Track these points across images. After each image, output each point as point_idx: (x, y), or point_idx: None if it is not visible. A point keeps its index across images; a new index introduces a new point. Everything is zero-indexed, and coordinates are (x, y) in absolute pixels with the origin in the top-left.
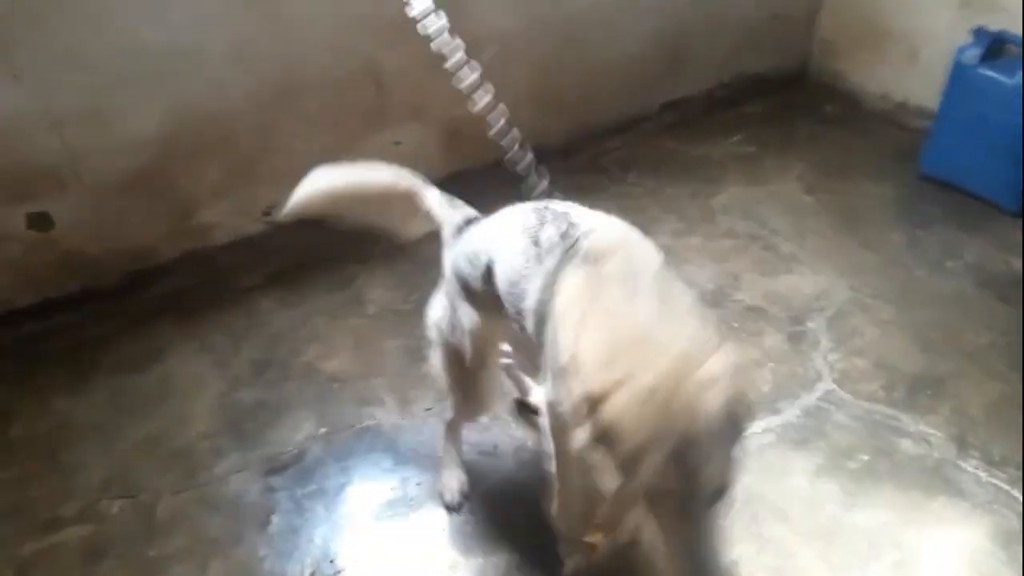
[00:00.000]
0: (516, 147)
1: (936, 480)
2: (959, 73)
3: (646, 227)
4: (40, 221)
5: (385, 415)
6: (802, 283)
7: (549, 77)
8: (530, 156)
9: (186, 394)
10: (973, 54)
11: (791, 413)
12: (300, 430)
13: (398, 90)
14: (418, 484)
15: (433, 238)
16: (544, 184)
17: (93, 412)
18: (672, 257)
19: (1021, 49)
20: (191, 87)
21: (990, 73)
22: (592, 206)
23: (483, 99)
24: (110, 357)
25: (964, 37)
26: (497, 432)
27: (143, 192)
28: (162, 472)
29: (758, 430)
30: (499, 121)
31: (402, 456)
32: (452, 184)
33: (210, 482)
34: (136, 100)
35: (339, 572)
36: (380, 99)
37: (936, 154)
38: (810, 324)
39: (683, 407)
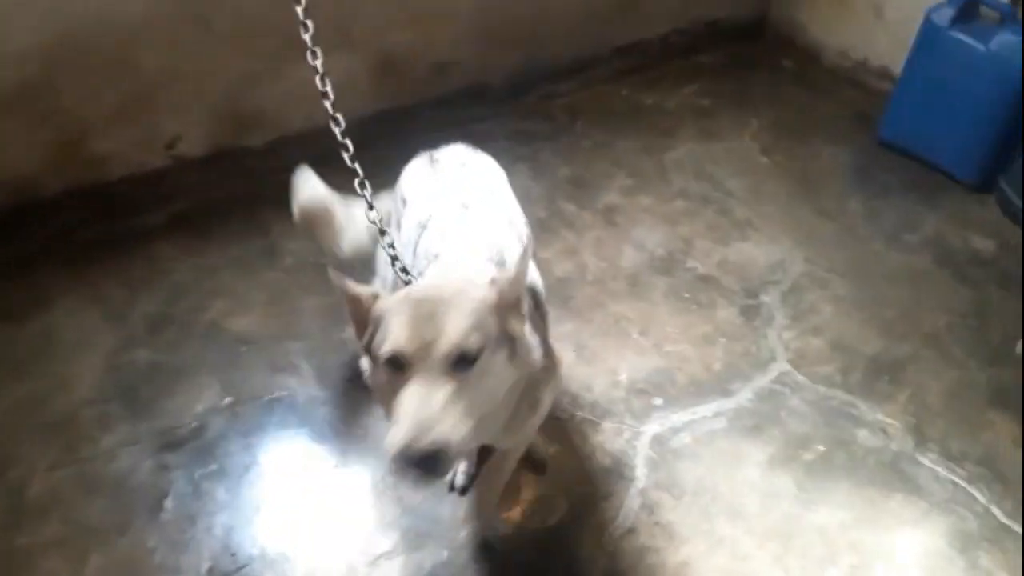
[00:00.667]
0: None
1: (894, 476)
2: (928, 34)
3: (595, 183)
4: None
5: (300, 385)
6: (756, 252)
7: (495, 9)
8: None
9: (71, 351)
10: (945, 14)
11: (744, 396)
12: (201, 399)
13: (322, 11)
14: (335, 466)
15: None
16: (365, 184)
17: None
18: (622, 218)
19: (998, 12)
20: None
21: (962, 37)
22: (536, 155)
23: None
24: None
25: None
26: None
27: (22, 113)
28: (37, 444)
29: (708, 414)
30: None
31: (318, 433)
32: (383, 123)
33: (94, 458)
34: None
35: (241, 567)
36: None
37: (896, 120)
38: (764, 298)
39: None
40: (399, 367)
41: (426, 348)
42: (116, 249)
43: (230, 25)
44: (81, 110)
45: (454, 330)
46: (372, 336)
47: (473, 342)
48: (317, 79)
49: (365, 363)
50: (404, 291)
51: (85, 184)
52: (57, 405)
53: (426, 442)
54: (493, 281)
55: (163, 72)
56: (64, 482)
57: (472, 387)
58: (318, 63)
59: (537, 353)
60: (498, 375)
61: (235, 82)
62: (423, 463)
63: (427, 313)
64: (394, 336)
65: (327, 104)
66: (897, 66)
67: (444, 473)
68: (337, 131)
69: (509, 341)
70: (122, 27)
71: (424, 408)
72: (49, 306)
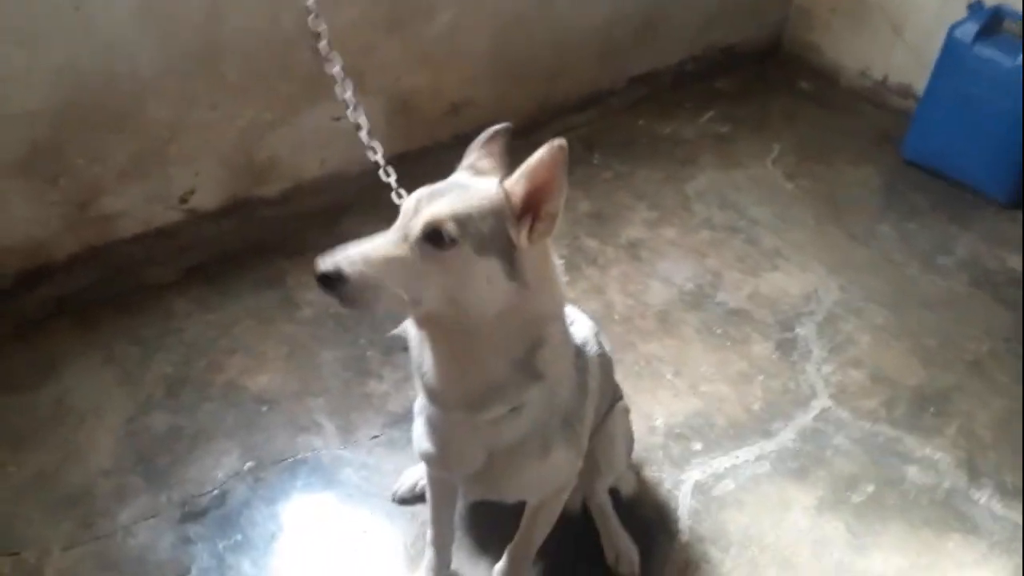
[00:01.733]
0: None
1: (948, 515)
2: (952, 51)
3: (616, 216)
4: None
5: (323, 444)
6: (788, 282)
7: (511, 46)
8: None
9: (85, 418)
10: (969, 30)
11: (786, 436)
12: (221, 465)
13: (340, 54)
14: (364, 532)
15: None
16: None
17: None
18: (647, 252)
19: (1021, 27)
20: (87, 48)
21: (987, 52)
22: None
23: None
24: None
25: (954, 10)
26: None
27: (33, 176)
28: (52, 521)
29: (751, 457)
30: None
31: (345, 496)
32: (399, 164)
33: (112, 533)
34: (18, 62)
35: None
36: (317, 65)
37: (921, 138)
38: (799, 330)
39: None
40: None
41: (410, 217)
42: (129, 308)
43: (241, 74)
44: (92, 169)
45: (435, 207)
46: None
47: (450, 227)
48: (349, 112)
49: None
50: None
51: (97, 244)
52: (72, 477)
53: (330, 262)
54: (501, 183)
55: (174, 125)
56: (81, 562)
57: (439, 271)
58: (348, 95)
59: (553, 303)
60: (479, 277)
61: (248, 131)
62: (322, 279)
63: (434, 192)
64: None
65: (362, 134)
66: (918, 83)
67: (342, 299)
68: (377, 157)
69: (509, 253)
70: (131, 82)
71: (365, 247)
72: (61, 371)
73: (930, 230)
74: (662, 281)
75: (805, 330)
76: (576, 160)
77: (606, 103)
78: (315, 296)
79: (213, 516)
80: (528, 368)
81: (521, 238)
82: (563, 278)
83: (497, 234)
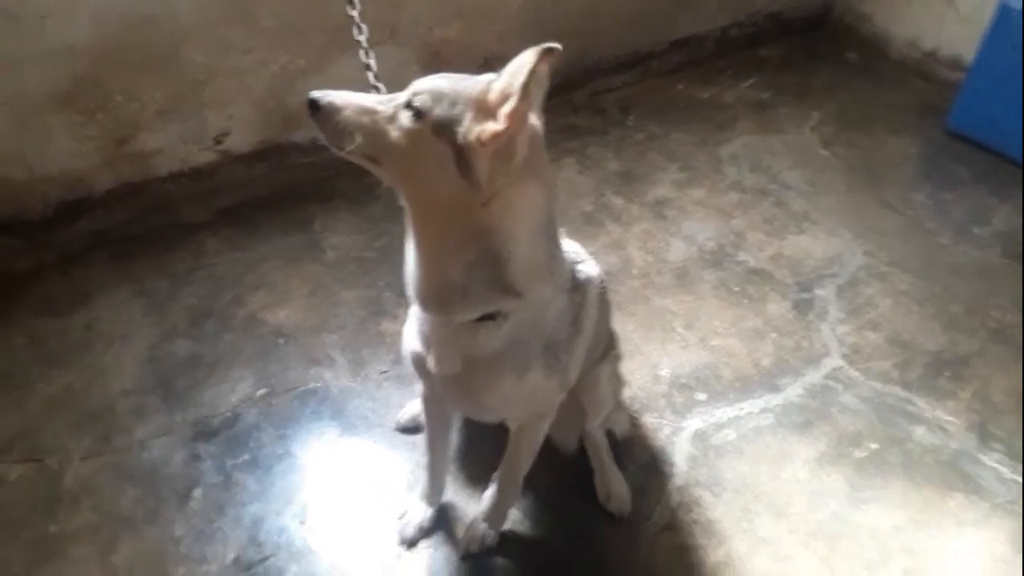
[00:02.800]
0: None
1: (953, 475)
2: (1004, 19)
3: (645, 176)
4: None
5: (334, 377)
6: (813, 245)
7: (544, 3)
8: None
9: (112, 343)
10: None
11: (793, 392)
12: (236, 391)
13: (371, 4)
14: (367, 459)
15: None
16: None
17: (6, 358)
18: (672, 211)
19: None
20: None
21: None
22: (584, 148)
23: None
24: (32, 296)
25: None
26: None
27: (74, 110)
28: (74, 433)
29: (755, 410)
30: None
31: (350, 425)
32: None
33: (128, 447)
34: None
35: (266, 558)
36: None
37: (967, 109)
38: (819, 291)
39: None
40: None
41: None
42: (161, 244)
43: (276, 21)
44: (130, 106)
45: (424, 81)
46: None
47: (423, 98)
48: (361, 53)
49: None
50: None
51: (134, 180)
52: (95, 395)
53: (319, 92)
54: (490, 81)
55: (210, 68)
56: (98, 470)
57: (402, 138)
58: (363, 38)
59: (514, 223)
60: (430, 157)
61: (280, 77)
62: (309, 102)
63: (444, 75)
64: None
65: (369, 75)
66: (969, 55)
67: (317, 124)
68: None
69: (466, 149)
70: (169, 23)
71: (358, 94)
72: (94, 300)
73: (968, 201)
74: (684, 239)
75: (825, 292)
76: (610, 122)
77: (645, 66)
78: (339, 240)
79: (224, 436)
80: (496, 281)
81: (469, 132)
82: (548, 213)
83: (463, 125)
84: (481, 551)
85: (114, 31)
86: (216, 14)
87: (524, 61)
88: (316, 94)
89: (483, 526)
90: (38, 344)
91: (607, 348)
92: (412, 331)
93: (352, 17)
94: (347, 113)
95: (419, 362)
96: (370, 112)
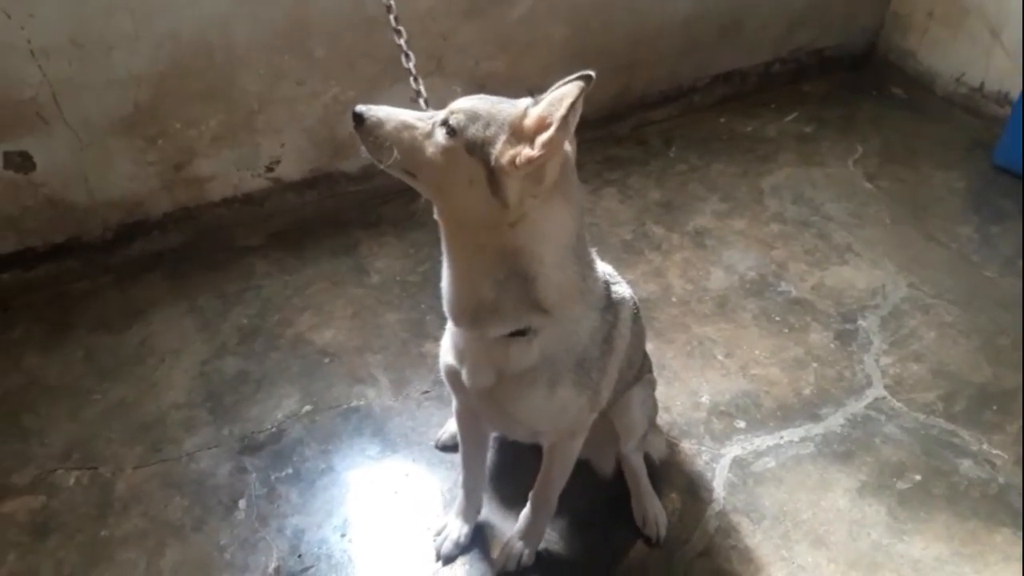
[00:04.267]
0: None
1: (999, 509)
2: None
3: (686, 206)
4: (20, 161)
5: (376, 395)
6: (855, 276)
7: (591, 35)
8: None
9: (165, 359)
10: None
11: (834, 421)
12: (282, 407)
13: (419, 37)
14: (406, 476)
15: None
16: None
17: (65, 372)
18: (712, 241)
19: None
20: (187, 20)
21: None
22: (626, 179)
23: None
24: (90, 314)
25: None
26: None
27: (134, 136)
28: (127, 443)
29: (795, 438)
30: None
31: (391, 443)
32: None
33: (177, 458)
34: (125, 31)
35: (306, 569)
36: (396, 47)
37: (1013, 143)
38: (862, 322)
39: None
40: None
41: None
42: (214, 265)
43: (327, 52)
44: (187, 133)
45: (463, 101)
46: None
47: (458, 118)
48: (411, 79)
49: None
50: None
51: (190, 205)
52: (147, 408)
53: (364, 107)
54: (528, 106)
55: (263, 97)
56: (148, 479)
57: (438, 154)
58: (411, 64)
59: (541, 247)
60: (463, 175)
61: (331, 107)
62: (354, 115)
63: (484, 97)
64: None
65: (420, 102)
66: (1016, 90)
67: (360, 137)
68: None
69: (497, 171)
70: (225, 53)
71: (401, 110)
72: (149, 317)
73: (1015, 234)
74: (724, 269)
75: (867, 323)
76: (652, 153)
77: (688, 99)
78: (384, 264)
79: (269, 450)
80: (525, 298)
81: (502, 155)
82: (577, 234)
83: (498, 146)
84: (517, 570)
85: (174, 60)
86: (270, 44)
87: (565, 93)
88: (361, 108)
89: (519, 544)
90: (94, 359)
91: (641, 371)
92: (447, 345)
93: (400, 45)
94: (388, 128)
95: (453, 376)
96: (409, 128)
